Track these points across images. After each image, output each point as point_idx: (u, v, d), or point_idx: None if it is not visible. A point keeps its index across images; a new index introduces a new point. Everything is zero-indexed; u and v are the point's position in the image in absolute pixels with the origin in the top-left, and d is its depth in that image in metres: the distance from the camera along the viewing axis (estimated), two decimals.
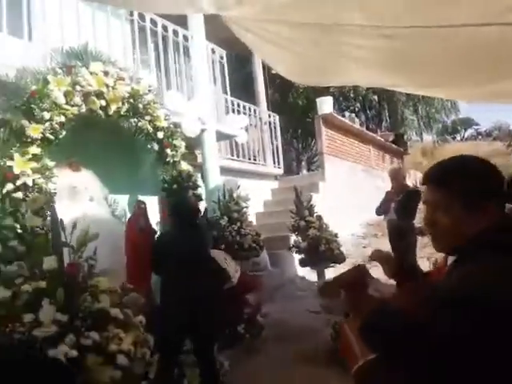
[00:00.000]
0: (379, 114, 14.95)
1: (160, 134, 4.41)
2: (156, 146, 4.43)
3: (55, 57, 3.78)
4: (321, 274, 4.67)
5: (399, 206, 4.58)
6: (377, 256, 1.34)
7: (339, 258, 4.04)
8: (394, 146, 12.48)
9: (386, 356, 1.04)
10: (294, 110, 12.28)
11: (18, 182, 3.10)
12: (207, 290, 3.09)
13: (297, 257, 5.11)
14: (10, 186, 3.07)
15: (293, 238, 5.61)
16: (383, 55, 2.30)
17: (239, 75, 10.07)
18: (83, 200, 4.29)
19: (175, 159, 4.51)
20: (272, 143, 8.96)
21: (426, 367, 0.96)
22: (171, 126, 4.55)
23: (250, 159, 8.18)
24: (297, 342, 3.98)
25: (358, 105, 14.29)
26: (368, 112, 14.94)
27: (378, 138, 11.77)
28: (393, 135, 12.92)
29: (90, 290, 1.91)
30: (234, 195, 4.82)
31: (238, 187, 4.97)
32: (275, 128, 9.08)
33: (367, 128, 12.68)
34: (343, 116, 11.18)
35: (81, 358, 1.72)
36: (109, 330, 1.88)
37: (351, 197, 8.70)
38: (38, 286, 1.73)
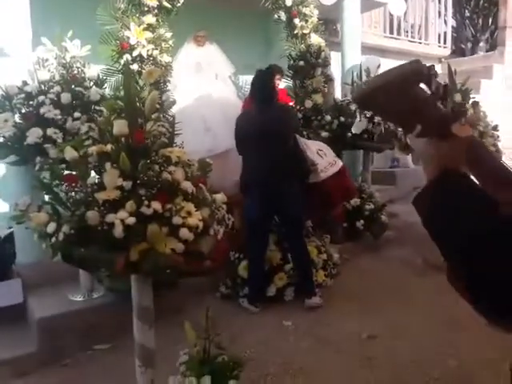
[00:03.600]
0: None
1: (289, 1, 3.87)
2: (284, 16, 3.93)
3: None
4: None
5: None
6: None
7: None
8: None
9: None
10: None
11: (134, 53, 3.08)
12: (282, 173, 2.93)
13: None
14: (127, 57, 3.08)
15: None
16: None
17: None
18: (208, 77, 4.20)
19: (304, 31, 3.98)
20: (440, 17, 7.36)
21: None
22: None
23: (407, 36, 6.93)
24: (421, 248, 3.50)
25: None
26: None
27: None
28: None
29: (158, 160, 1.77)
30: (372, 76, 4.11)
31: (379, 67, 4.21)
32: None
33: None
34: None
35: (141, 227, 1.63)
36: (176, 202, 1.75)
37: None
38: (101, 148, 1.65)
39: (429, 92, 0.65)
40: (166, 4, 3.24)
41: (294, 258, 3.05)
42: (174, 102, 2.10)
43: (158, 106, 2.89)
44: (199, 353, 1.63)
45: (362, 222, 3.89)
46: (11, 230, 3.24)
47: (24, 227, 1.78)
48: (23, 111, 2.74)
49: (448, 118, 0.65)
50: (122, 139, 1.72)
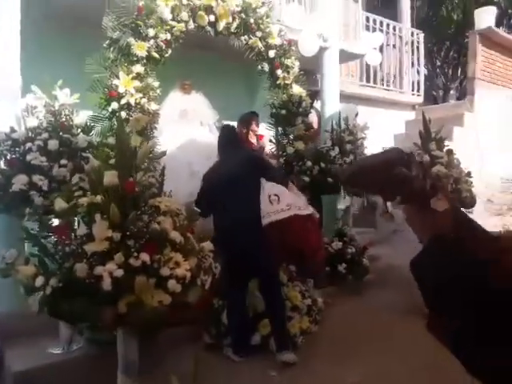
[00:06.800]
0: None
1: (271, 53, 4.05)
2: (266, 67, 4.11)
3: None
4: None
5: None
6: None
7: (466, 202, 3.33)
8: None
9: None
10: (447, 27, 10.40)
11: (122, 101, 3.16)
12: (246, 222, 2.86)
13: None
14: (115, 105, 3.15)
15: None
16: None
17: None
18: (193, 124, 4.31)
19: (286, 81, 4.15)
20: (413, 67, 7.80)
21: None
22: (285, 43, 4.14)
23: (383, 85, 7.29)
24: (404, 291, 3.54)
25: None
26: None
27: None
28: None
29: (147, 210, 1.79)
30: (350, 124, 4.30)
31: (356, 115, 4.41)
32: (418, 49, 7.84)
33: None
34: None
35: (129, 279, 1.64)
36: (164, 253, 1.77)
37: (506, 133, 7.22)
38: (92, 200, 1.67)
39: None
40: (154, 54, 3.36)
41: (268, 307, 2.97)
42: (163, 153, 2.16)
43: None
44: None
45: (344, 265, 3.93)
46: None
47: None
48: (8, 158, 2.76)
49: (426, 193, 0.72)
50: (112, 189, 1.75)
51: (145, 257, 1.65)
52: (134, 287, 1.63)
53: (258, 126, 4.50)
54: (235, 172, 2.97)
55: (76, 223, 1.70)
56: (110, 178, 1.75)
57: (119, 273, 1.58)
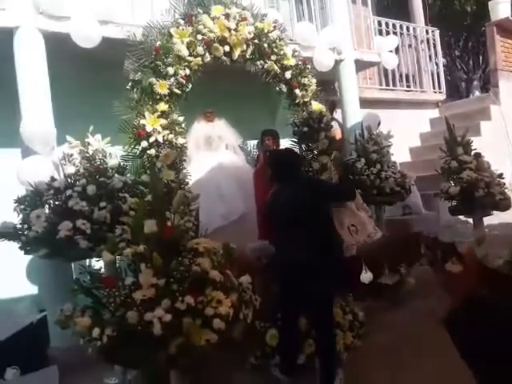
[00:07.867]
0: None
1: (288, 74, 4.12)
2: (284, 88, 4.18)
3: (178, 8, 3.77)
4: (478, 224, 3.89)
5: None
6: None
7: (501, 205, 3.27)
8: None
9: None
10: (463, 20, 10.21)
11: (151, 139, 3.30)
12: (311, 255, 2.68)
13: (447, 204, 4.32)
14: (144, 144, 3.30)
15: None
16: None
17: None
18: (219, 149, 4.44)
19: (305, 99, 4.20)
20: (430, 60, 7.71)
21: None
22: (299, 63, 4.21)
23: (403, 86, 7.22)
24: (443, 295, 3.52)
25: None
26: None
27: None
28: None
29: (187, 254, 1.90)
30: (373, 133, 4.30)
31: (379, 124, 4.42)
32: (435, 45, 7.73)
33: None
34: None
35: (177, 322, 1.74)
36: (206, 293, 1.86)
37: None
38: (135, 250, 1.78)
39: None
40: (176, 91, 3.49)
41: (317, 346, 2.93)
42: (197, 196, 2.26)
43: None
44: None
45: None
46: (44, 313, 3.31)
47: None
48: (52, 205, 2.94)
49: (437, 261, 0.79)
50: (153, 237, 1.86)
51: (189, 299, 1.75)
52: (182, 329, 1.73)
53: (272, 141, 4.52)
54: (296, 200, 2.81)
55: (122, 271, 1.82)
56: (150, 226, 1.86)
57: (167, 317, 1.68)
